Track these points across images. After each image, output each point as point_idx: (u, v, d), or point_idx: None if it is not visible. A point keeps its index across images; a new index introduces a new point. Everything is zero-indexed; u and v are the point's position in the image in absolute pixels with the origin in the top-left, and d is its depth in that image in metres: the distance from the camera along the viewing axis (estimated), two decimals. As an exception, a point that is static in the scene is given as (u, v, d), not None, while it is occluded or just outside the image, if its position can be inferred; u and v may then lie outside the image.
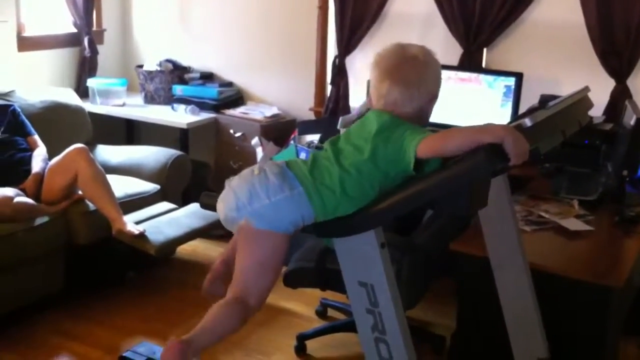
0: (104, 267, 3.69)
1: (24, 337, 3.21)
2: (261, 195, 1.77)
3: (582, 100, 1.97)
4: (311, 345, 3.18)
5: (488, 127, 1.61)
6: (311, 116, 4.40)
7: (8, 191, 3.29)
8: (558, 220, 2.68)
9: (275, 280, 1.87)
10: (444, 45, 3.89)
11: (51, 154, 3.62)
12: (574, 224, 2.66)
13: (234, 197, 1.81)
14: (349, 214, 1.75)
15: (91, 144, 4.09)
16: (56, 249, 3.40)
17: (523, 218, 2.68)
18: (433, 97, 1.87)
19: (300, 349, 3.17)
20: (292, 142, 4.10)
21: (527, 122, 1.63)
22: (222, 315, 1.80)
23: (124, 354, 2.50)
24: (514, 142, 1.54)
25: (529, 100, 3.42)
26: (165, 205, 3.74)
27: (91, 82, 4.57)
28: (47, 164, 3.56)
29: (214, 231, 3.88)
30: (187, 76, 4.66)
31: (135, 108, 4.56)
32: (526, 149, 1.55)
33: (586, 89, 2.02)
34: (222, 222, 1.88)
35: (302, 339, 3.18)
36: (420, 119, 1.85)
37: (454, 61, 3.86)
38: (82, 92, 4.57)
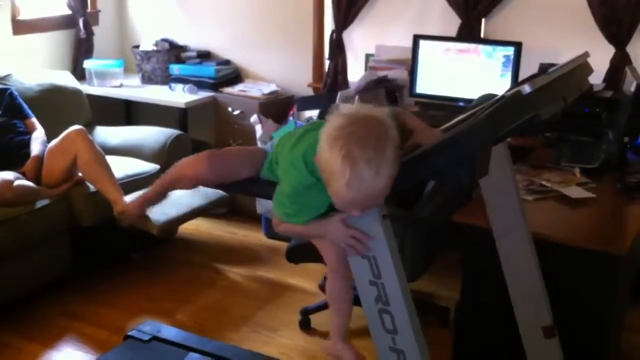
0: (109, 248, 3.70)
1: (31, 319, 3.23)
2: None
3: (582, 65, 1.95)
4: (316, 319, 3.20)
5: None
6: (310, 92, 4.38)
7: (8, 175, 3.29)
8: (560, 189, 2.67)
9: (228, 170, 1.83)
10: (442, 17, 3.85)
11: (50, 136, 3.60)
12: (576, 192, 2.65)
13: None
14: None
15: (90, 126, 4.08)
16: (60, 232, 3.41)
17: (525, 187, 2.67)
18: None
19: (305, 323, 3.18)
20: (291, 118, 4.09)
21: (527, 88, 1.61)
22: None
23: (129, 333, 2.50)
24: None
25: (528, 69, 3.39)
26: (166, 185, 3.73)
27: (88, 64, 4.55)
28: (46, 146, 3.55)
29: (215, 210, 3.88)
30: (183, 55, 4.64)
31: (132, 89, 4.54)
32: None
33: (586, 54, 1.99)
34: None
35: (306, 313, 3.19)
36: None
37: (453, 32, 3.83)
38: (79, 74, 4.55)
